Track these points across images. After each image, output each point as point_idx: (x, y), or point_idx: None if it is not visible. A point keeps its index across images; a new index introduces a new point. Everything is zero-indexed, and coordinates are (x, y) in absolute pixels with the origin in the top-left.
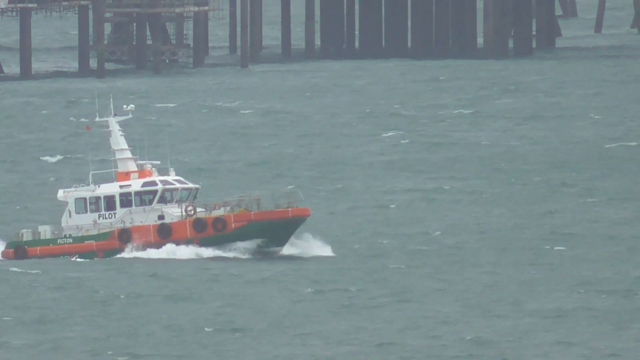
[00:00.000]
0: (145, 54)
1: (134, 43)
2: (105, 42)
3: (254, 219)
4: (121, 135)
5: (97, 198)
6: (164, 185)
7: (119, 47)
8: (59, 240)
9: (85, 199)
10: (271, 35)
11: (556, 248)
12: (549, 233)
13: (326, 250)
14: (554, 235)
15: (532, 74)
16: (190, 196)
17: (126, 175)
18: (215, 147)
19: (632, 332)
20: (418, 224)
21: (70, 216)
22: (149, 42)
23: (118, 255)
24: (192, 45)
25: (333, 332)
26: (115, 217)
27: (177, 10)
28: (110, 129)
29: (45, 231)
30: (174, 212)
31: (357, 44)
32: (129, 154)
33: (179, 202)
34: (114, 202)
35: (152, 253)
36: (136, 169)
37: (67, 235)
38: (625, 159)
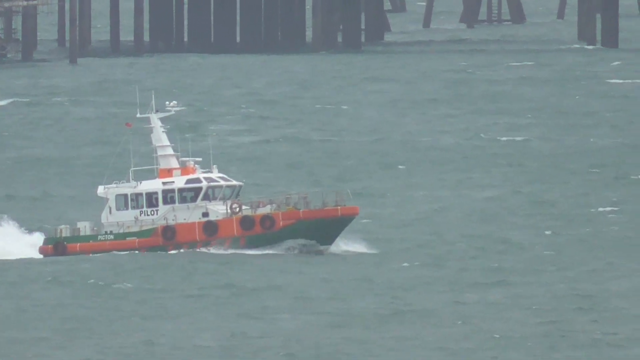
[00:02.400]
0: None
1: None
2: None
3: (302, 217)
4: (163, 131)
5: (139, 195)
6: (208, 182)
7: None
8: (99, 237)
9: (126, 195)
10: (101, 29)
11: None
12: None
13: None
14: None
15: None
16: (234, 193)
17: (168, 172)
18: None
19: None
20: None
21: (110, 212)
22: None
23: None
24: (20, 40)
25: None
26: (157, 214)
27: (6, 4)
28: (152, 125)
29: (85, 227)
30: (218, 210)
31: (186, 38)
32: (171, 151)
33: (223, 199)
34: (157, 198)
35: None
36: (178, 166)
37: (108, 232)
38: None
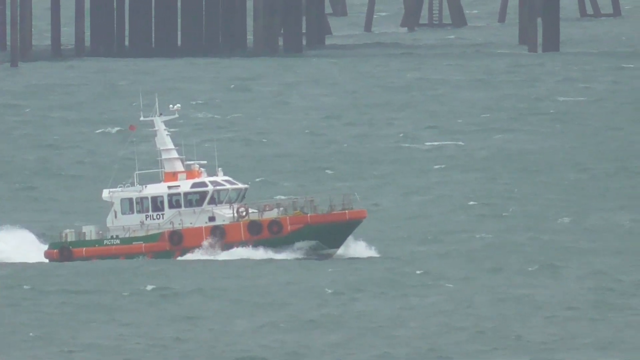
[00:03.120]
0: None
1: None
2: None
3: (310, 221)
4: (167, 134)
5: (144, 198)
6: (214, 186)
7: None
8: (105, 241)
9: (131, 199)
10: (42, 33)
11: None
12: None
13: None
14: None
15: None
16: (239, 197)
17: (173, 175)
18: None
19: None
20: None
21: (116, 217)
22: None
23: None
24: None
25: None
26: (163, 218)
27: None
28: (156, 128)
29: (91, 231)
30: (225, 214)
31: (127, 42)
32: (175, 154)
33: (228, 202)
34: (162, 202)
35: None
36: (183, 169)
37: (114, 236)
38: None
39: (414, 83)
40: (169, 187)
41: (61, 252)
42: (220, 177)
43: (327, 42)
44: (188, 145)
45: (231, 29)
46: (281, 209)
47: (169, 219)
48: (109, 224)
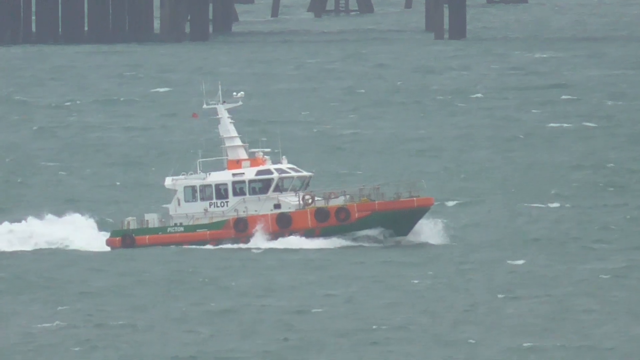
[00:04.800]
0: None
1: None
2: None
3: (377, 208)
4: (231, 122)
5: (208, 186)
6: (279, 173)
7: None
8: (169, 229)
9: (195, 187)
10: None
11: None
12: None
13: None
14: None
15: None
16: (304, 184)
17: (237, 163)
18: None
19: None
20: None
21: (179, 204)
22: None
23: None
24: None
25: None
26: (227, 205)
27: None
28: (219, 116)
29: (153, 219)
30: (291, 201)
31: (34, 29)
32: (239, 142)
33: (293, 190)
34: (226, 190)
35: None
36: (247, 157)
37: (178, 224)
38: None
39: (321, 70)
40: (234, 175)
41: (124, 239)
42: (284, 165)
43: (234, 29)
44: (251, 133)
45: (137, 15)
46: (347, 196)
47: (233, 207)
48: (172, 212)
